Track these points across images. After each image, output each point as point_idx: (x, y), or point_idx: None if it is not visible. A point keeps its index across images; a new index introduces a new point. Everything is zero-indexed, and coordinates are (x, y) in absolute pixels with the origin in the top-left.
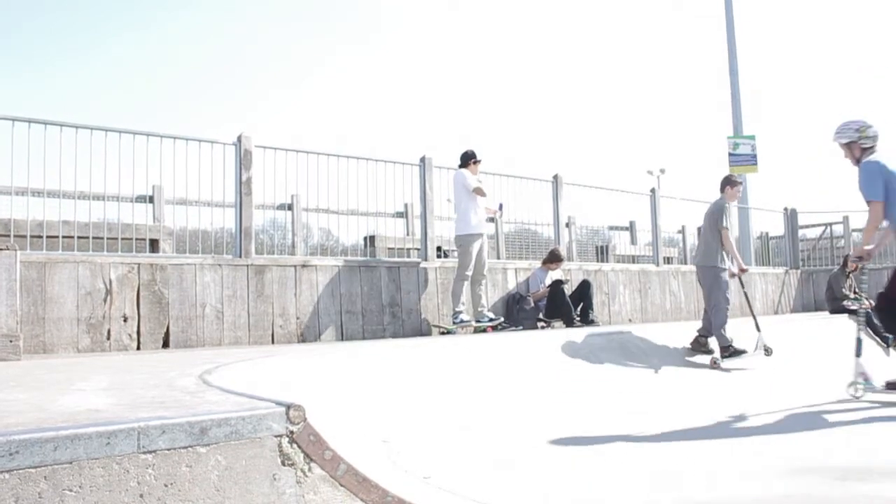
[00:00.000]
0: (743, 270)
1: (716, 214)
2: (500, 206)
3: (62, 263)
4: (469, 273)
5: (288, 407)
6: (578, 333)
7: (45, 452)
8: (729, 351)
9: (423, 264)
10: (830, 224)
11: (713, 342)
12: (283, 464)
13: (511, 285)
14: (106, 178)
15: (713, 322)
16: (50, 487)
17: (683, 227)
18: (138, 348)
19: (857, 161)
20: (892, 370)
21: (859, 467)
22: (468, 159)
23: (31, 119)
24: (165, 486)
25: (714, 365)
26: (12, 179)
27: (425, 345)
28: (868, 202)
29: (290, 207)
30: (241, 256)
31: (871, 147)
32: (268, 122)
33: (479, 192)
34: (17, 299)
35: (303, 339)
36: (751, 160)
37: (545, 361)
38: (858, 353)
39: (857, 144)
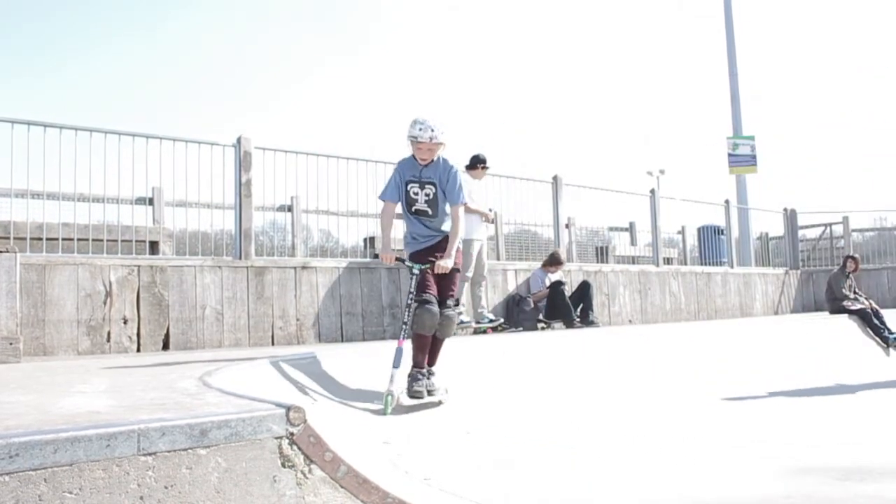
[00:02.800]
0: None
1: None
2: (489, 210)
3: (62, 266)
4: (469, 274)
5: (288, 408)
6: (578, 334)
7: (45, 455)
8: None
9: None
10: (830, 224)
11: None
12: (284, 465)
13: (511, 286)
14: (105, 180)
15: None
16: (50, 490)
17: (683, 227)
18: (138, 350)
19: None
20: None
21: (859, 467)
22: (478, 163)
23: (31, 121)
24: (165, 488)
25: None
26: (12, 182)
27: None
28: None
29: (289, 209)
30: (240, 258)
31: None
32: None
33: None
34: (17, 302)
35: (303, 340)
36: (750, 160)
37: (544, 362)
38: (396, 365)
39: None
